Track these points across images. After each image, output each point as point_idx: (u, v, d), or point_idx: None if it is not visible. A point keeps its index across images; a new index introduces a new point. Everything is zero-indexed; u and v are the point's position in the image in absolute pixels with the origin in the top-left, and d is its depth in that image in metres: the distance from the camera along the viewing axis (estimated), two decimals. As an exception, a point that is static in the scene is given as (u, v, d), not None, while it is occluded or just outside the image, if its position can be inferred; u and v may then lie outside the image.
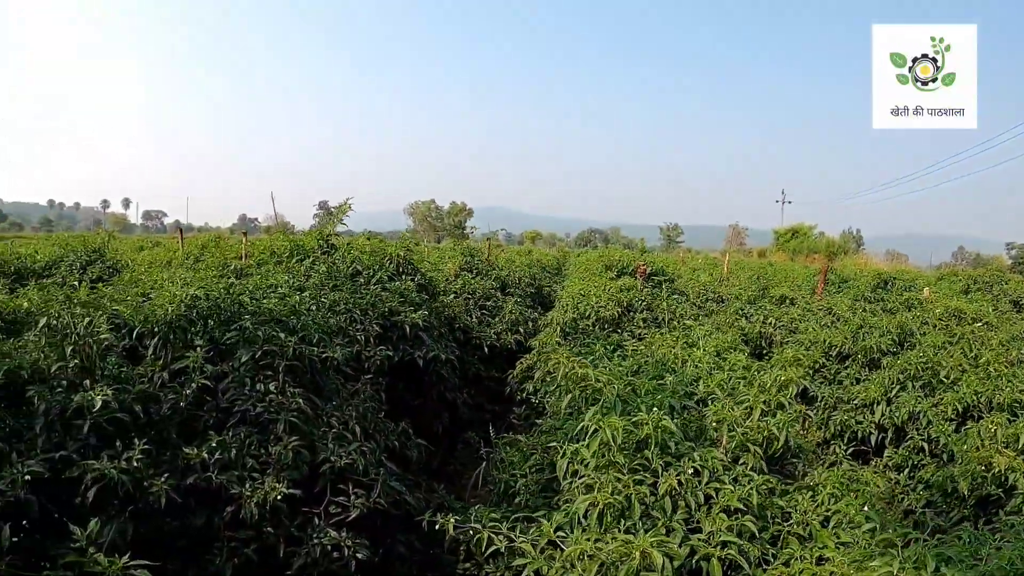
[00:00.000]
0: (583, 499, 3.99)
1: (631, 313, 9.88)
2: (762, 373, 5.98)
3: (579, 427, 4.57)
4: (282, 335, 4.89)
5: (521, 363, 9.18)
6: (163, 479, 3.58)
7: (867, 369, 9.12)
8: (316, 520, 4.17)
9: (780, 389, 5.40)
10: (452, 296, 9.83)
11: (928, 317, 10.14)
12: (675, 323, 9.35)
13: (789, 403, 5.42)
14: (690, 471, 4.19)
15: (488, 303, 11.02)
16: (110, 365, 3.85)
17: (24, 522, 3.27)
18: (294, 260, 7.91)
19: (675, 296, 11.11)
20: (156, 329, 4.24)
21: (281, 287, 6.33)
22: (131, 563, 3.08)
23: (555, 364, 5.62)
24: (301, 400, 4.48)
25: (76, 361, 3.57)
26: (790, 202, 68.19)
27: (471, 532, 4.21)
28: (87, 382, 3.57)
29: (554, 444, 5.06)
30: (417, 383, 7.43)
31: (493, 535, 4.13)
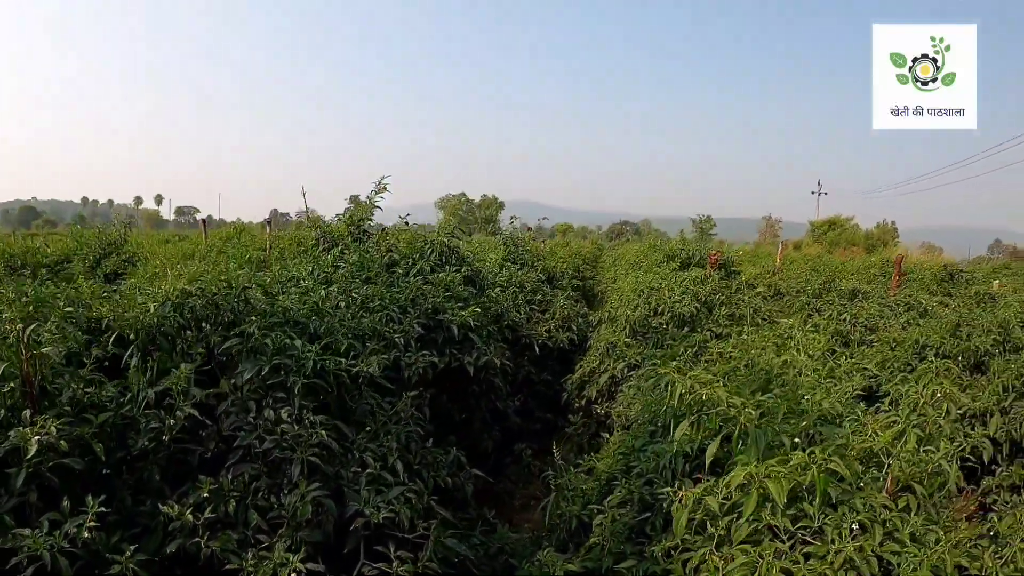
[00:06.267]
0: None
1: (709, 309, 8.55)
2: (907, 385, 4.83)
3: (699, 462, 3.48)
4: (298, 343, 3.78)
5: (580, 367, 8.11)
6: (128, 554, 2.59)
7: (969, 373, 8.01)
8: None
9: (934, 406, 4.26)
10: (498, 289, 8.71)
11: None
12: (758, 320, 8.12)
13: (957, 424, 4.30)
14: (855, 526, 3.10)
15: (537, 297, 9.93)
16: (72, 385, 2.79)
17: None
18: (320, 250, 6.82)
19: (747, 289, 9.84)
20: (134, 336, 3.14)
21: (304, 279, 5.23)
22: None
23: (654, 382, 4.53)
24: (324, 431, 3.41)
25: (12, 384, 2.51)
26: (826, 193, 65.39)
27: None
28: (26, 412, 2.50)
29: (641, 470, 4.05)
30: (463, 393, 6.29)
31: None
